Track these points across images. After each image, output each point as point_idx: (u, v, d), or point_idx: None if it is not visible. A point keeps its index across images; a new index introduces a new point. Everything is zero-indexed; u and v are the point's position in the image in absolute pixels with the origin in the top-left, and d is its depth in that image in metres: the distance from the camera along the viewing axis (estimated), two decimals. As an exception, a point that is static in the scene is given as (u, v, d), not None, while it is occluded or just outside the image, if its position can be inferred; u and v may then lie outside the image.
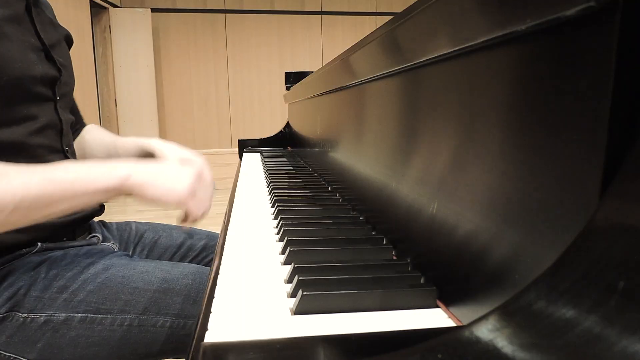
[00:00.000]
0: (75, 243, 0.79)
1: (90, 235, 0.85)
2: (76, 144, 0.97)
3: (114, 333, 0.67)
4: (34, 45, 0.73)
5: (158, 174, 0.66)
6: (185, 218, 0.71)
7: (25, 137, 0.70)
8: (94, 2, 4.72)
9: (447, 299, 0.37)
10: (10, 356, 0.65)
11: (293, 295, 0.39)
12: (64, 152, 0.79)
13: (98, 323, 0.67)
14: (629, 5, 0.21)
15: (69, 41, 0.91)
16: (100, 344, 0.67)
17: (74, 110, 0.96)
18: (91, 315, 0.67)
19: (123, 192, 0.65)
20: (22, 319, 0.65)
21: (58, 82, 0.76)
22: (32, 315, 0.65)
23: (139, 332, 0.68)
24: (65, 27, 0.90)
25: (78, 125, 0.99)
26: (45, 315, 0.66)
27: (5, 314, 0.65)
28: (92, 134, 1.00)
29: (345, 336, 0.31)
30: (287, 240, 0.51)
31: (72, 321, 0.66)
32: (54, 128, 0.77)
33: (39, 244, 0.73)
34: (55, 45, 0.79)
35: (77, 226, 0.82)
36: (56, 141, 0.77)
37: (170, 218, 3.28)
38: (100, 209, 0.88)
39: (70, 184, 0.60)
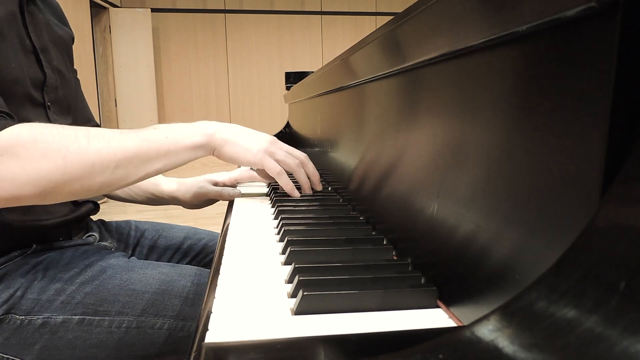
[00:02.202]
0: (72, 243, 0.79)
1: (86, 235, 0.84)
2: None
3: (112, 335, 0.67)
4: (26, 47, 0.72)
5: (238, 134, 0.71)
6: (265, 174, 0.77)
7: None
8: (94, 2, 4.72)
9: (448, 299, 0.37)
10: (8, 358, 0.65)
11: (293, 295, 0.39)
12: None
13: (96, 325, 0.67)
14: (629, 6, 0.21)
15: (70, 43, 0.89)
16: (98, 346, 0.67)
17: (84, 112, 0.95)
18: (89, 317, 0.67)
19: (209, 149, 0.69)
20: (19, 321, 0.65)
21: (45, 87, 0.75)
22: (29, 317, 0.65)
23: (137, 334, 0.68)
24: (66, 28, 0.90)
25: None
26: (43, 318, 0.65)
27: (2, 316, 0.64)
28: None
29: (345, 336, 0.31)
30: (288, 240, 0.51)
31: (70, 323, 0.66)
32: None
33: (34, 245, 0.73)
34: (47, 48, 0.77)
35: (73, 226, 0.82)
36: None
37: (170, 218, 3.27)
38: (95, 208, 0.88)
39: (163, 141, 0.64)
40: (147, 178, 0.65)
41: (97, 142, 0.59)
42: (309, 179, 0.79)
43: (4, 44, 0.67)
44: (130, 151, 0.61)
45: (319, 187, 0.81)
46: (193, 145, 0.67)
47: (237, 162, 0.72)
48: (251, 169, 0.79)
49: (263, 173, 0.79)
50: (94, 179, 0.59)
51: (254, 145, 0.72)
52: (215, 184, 0.95)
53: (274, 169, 0.73)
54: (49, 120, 0.76)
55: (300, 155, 0.77)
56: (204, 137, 0.68)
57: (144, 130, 0.65)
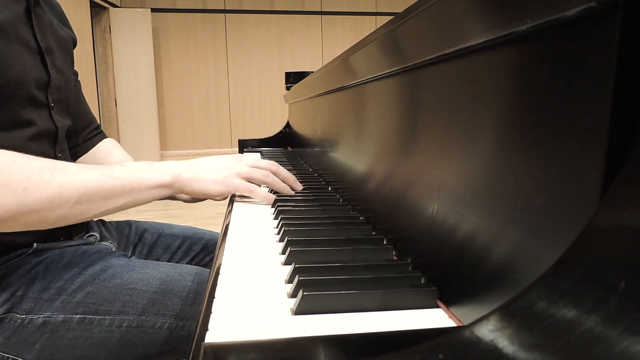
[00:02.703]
0: (72, 243, 0.79)
1: (87, 235, 0.84)
2: (90, 158, 0.97)
3: (113, 334, 0.67)
4: (32, 48, 0.73)
5: (201, 169, 0.72)
6: (241, 195, 0.76)
7: (24, 142, 0.70)
8: (94, 2, 4.72)
9: (448, 299, 0.37)
10: (8, 357, 0.65)
11: (293, 295, 0.39)
12: (56, 158, 0.78)
13: (96, 324, 0.67)
14: (629, 6, 0.21)
15: (72, 44, 0.90)
16: (98, 345, 0.67)
17: (86, 115, 0.95)
18: (89, 316, 0.67)
19: (176, 189, 0.70)
20: (20, 320, 0.65)
21: (49, 87, 0.75)
22: (30, 316, 0.65)
23: (138, 333, 0.68)
24: (67, 28, 0.90)
25: (94, 132, 0.98)
26: (43, 317, 0.66)
27: (2, 316, 0.64)
28: (108, 154, 0.99)
29: (345, 336, 0.31)
30: (288, 240, 0.51)
31: (71, 322, 0.66)
32: (49, 134, 0.76)
33: (35, 244, 0.73)
34: (51, 49, 0.77)
35: (74, 226, 0.82)
36: (50, 147, 0.77)
37: (170, 218, 3.27)
38: None
39: (128, 180, 0.64)
40: (108, 214, 0.65)
41: (60, 176, 0.58)
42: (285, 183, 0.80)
43: (9, 46, 0.67)
44: (92, 187, 0.61)
45: (298, 188, 0.81)
46: (158, 184, 0.67)
47: (208, 197, 0.73)
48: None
49: (241, 195, 0.79)
50: (51, 212, 0.58)
51: (219, 175, 0.72)
52: None
53: (244, 189, 0.73)
54: (52, 120, 0.76)
55: (267, 164, 0.78)
56: (169, 178, 0.68)
57: (110, 167, 0.65)
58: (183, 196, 0.94)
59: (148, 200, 0.68)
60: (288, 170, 0.85)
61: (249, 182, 0.74)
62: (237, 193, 0.74)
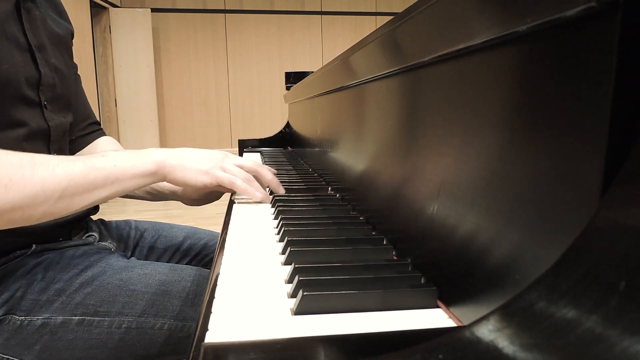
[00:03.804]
0: (72, 243, 0.79)
1: (86, 235, 0.84)
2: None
3: (112, 335, 0.67)
4: (21, 46, 0.71)
5: (187, 157, 0.71)
6: (223, 189, 0.76)
7: (18, 143, 0.69)
8: (94, 2, 4.72)
9: (448, 299, 0.37)
10: (8, 358, 0.65)
11: (293, 295, 0.39)
12: None
13: (96, 325, 0.67)
14: (629, 6, 0.21)
15: (70, 38, 0.88)
16: (98, 347, 0.67)
17: (83, 109, 0.94)
18: (89, 317, 0.67)
19: (159, 176, 0.69)
20: (19, 322, 0.65)
21: (40, 85, 0.74)
22: (29, 318, 0.65)
23: (137, 334, 0.68)
24: (66, 27, 0.89)
25: (91, 127, 0.97)
26: (43, 318, 0.65)
27: (2, 317, 0.64)
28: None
29: (345, 336, 0.31)
30: (288, 240, 0.51)
31: (70, 324, 0.66)
32: (42, 134, 0.74)
33: (34, 245, 0.72)
34: (44, 45, 0.76)
35: (73, 226, 0.81)
36: (44, 147, 0.75)
37: (170, 218, 3.27)
38: (95, 208, 0.88)
39: (111, 170, 0.63)
40: (94, 204, 0.64)
41: (41, 171, 0.57)
42: (268, 186, 0.79)
43: None
44: (75, 180, 0.59)
45: (280, 191, 0.80)
46: (142, 173, 0.66)
47: (190, 186, 0.72)
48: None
49: (223, 189, 0.78)
50: (35, 208, 0.57)
51: (204, 165, 0.71)
52: None
53: (226, 180, 0.72)
54: (44, 119, 0.74)
55: (252, 165, 0.77)
56: (153, 165, 0.67)
57: (92, 158, 0.63)
58: (185, 196, 0.94)
59: (133, 189, 0.67)
60: (288, 170, 0.85)
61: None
62: (219, 184, 0.73)
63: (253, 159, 0.98)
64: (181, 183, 0.71)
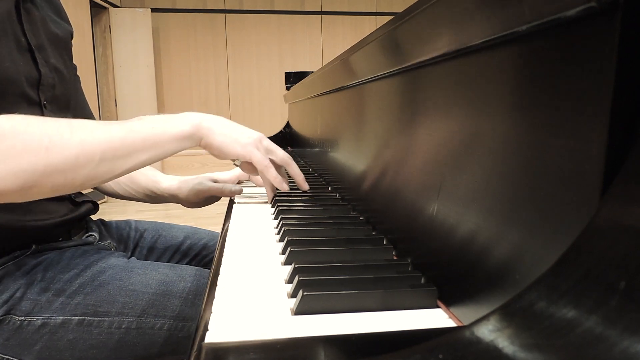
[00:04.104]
0: (71, 243, 0.79)
1: (86, 235, 0.84)
2: None
3: (112, 335, 0.67)
4: (22, 46, 0.71)
5: (225, 125, 0.70)
6: (248, 168, 0.75)
7: None
8: (94, 2, 4.72)
9: (448, 299, 0.37)
10: (8, 359, 0.65)
11: (293, 295, 0.39)
12: None
13: (96, 326, 0.67)
14: (629, 6, 0.21)
15: (70, 38, 0.88)
16: (98, 347, 0.66)
17: (82, 110, 0.94)
18: (89, 317, 0.67)
19: (196, 139, 0.68)
20: (19, 322, 0.65)
21: (40, 85, 0.74)
22: (29, 318, 0.65)
23: (137, 334, 0.67)
24: (66, 27, 0.89)
25: None
26: (43, 318, 0.65)
27: (1, 317, 0.64)
28: None
29: (345, 336, 0.31)
30: (288, 240, 0.51)
31: (70, 324, 0.66)
32: None
33: (34, 245, 0.72)
34: (43, 45, 0.76)
35: (73, 226, 0.81)
36: None
37: (170, 218, 3.27)
38: (94, 208, 0.88)
39: (150, 132, 0.63)
40: (133, 170, 0.63)
41: (80, 133, 0.57)
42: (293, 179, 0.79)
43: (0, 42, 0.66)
44: (115, 142, 0.59)
45: (305, 187, 0.80)
46: (180, 135, 0.65)
47: (224, 154, 0.70)
48: (234, 164, 0.79)
49: (247, 168, 0.76)
50: (77, 172, 0.56)
51: (242, 137, 0.70)
52: (216, 182, 0.94)
53: (261, 162, 0.72)
54: None
55: (283, 154, 0.77)
56: (190, 127, 0.66)
57: (129, 122, 0.63)
58: (185, 199, 0.94)
59: (172, 152, 0.66)
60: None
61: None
62: (252, 163, 0.72)
63: None
64: (216, 149, 0.69)
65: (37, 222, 0.72)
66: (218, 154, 0.70)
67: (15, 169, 0.52)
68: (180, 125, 0.66)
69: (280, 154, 0.76)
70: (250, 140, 0.71)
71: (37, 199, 0.57)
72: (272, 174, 0.73)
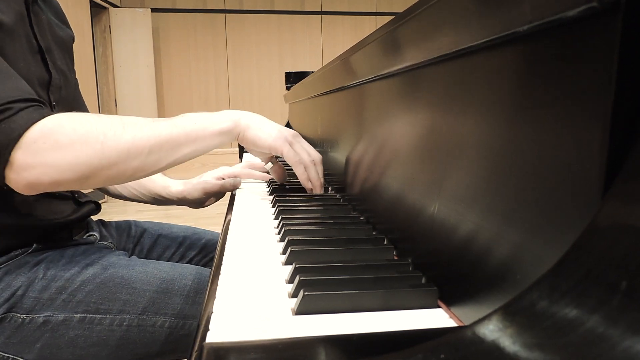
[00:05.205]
0: (72, 242, 0.79)
1: (87, 234, 0.84)
2: None
3: (113, 333, 0.67)
4: (33, 48, 0.73)
5: (262, 121, 0.75)
6: (274, 163, 0.81)
7: None
8: (94, 2, 4.72)
9: (449, 299, 0.37)
10: (9, 357, 0.65)
11: (294, 295, 0.39)
12: None
13: (97, 323, 0.67)
14: (630, 6, 0.21)
15: (71, 42, 0.90)
16: (99, 344, 0.67)
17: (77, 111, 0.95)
18: (90, 315, 0.67)
19: (235, 134, 0.72)
20: (20, 320, 0.65)
21: (50, 87, 0.76)
22: (30, 315, 0.65)
23: (138, 332, 0.68)
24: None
25: None
26: (44, 316, 0.66)
27: (3, 315, 0.64)
28: None
29: (346, 336, 0.31)
30: (288, 240, 0.51)
31: (71, 321, 0.66)
32: None
33: (35, 244, 0.73)
34: (50, 48, 0.78)
35: (74, 226, 0.82)
36: None
37: (170, 218, 3.27)
38: (96, 208, 0.88)
39: (192, 127, 0.68)
40: (176, 164, 0.68)
41: (131, 129, 0.62)
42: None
43: (14, 44, 0.67)
44: (161, 137, 0.64)
45: (319, 191, 0.81)
46: (220, 131, 0.70)
47: (258, 146, 0.74)
48: (265, 167, 0.83)
49: (276, 171, 0.83)
50: (129, 164, 0.62)
51: (276, 132, 0.74)
52: (221, 178, 0.98)
53: (292, 158, 0.75)
54: None
55: (317, 155, 0.78)
56: (230, 123, 0.71)
57: (173, 118, 0.68)
58: (192, 200, 0.96)
59: (211, 147, 0.70)
60: (288, 169, 0.85)
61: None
62: (284, 156, 0.75)
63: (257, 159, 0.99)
64: (250, 142, 0.74)
65: (42, 222, 0.73)
66: (252, 146, 0.75)
67: (73, 161, 0.58)
68: (221, 122, 0.70)
69: (306, 157, 0.77)
70: (282, 135, 0.74)
71: (92, 187, 0.64)
72: (300, 171, 0.76)
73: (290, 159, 0.74)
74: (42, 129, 0.57)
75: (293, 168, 0.76)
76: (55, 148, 0.57)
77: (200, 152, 0.69)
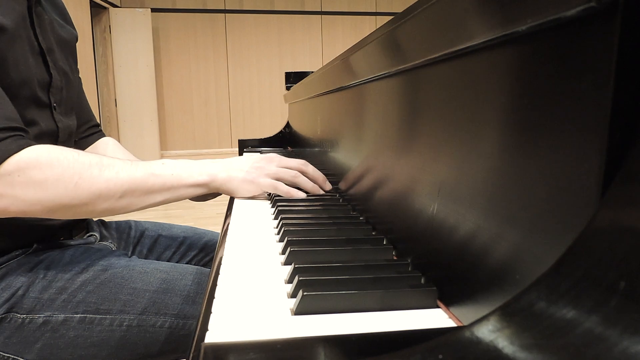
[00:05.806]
0: (72, 242, 0.79)
1: (87, 235, 0.84)
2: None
3: (113, 333, 0.67)
4: (34, 49, 0.73)
5: (234, 169, 0.74)
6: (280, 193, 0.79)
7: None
8: (94, 2, 4.72)
9: (448, 299, 0.37)
10: (9, 357, 0.65)
11: (293, 295, 0.39)
12: None
13: (97, 323, 0.67)
14: (629, 6, 0.21)
15: (74, 42, 0.90)
16: (99, 345, 0.67)
17: (84, 113, 0.95)
18: (90, 315, 0.67)
19: (211, 188, 0.74)
20: (20, 320, 0.65)
21: (50, 88, 0.75)
22: (30, 316, 0.65)
23: (138, 332, 0.68)
24: (66, 27, 0.89)
25: (92, 129, 0.98)
26: (44, 316, 0.66)
27: (3, 315, 0.65)
28: (104, 152, 0.99)
29: (345, 336, 0.31)
30: (288, 240, 0.51)
31: (71, 322, 0.66)
32: (51, 135, 0.76)
33: (35, 244, 0.73)
34: (52, 49, 0.77)
35: (74, 226, 0.82)
36: None
37: (170, 218, 3.27)
38: None
39: (168, 177, 0.69)
40: (149, 208, 0.69)
41: (107, 172, 0.63)
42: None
43: (15, 45, 0.67)
44: (135, 183, 0.65)
45: (327, 187, 0.82)
46: (196, 183, 0.71)
47: (238, 197, 0.77)
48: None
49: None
50: (99, 205, 0.63)
51: (249, 175, 0.75)
52: None
53: (270, 187, 0.76)
54: (54, 120, 0.76)
55: (296, 164, 0.79)
56: (206, 177, 0.72)
57: (152, 164, 0.69)
58: (196, 198, 0.95)
59: (185, 197, 0.72)
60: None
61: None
62: (264, 191, 0.77)
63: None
64: (229, 194, 0.76)
65: (42, 222, 0.73)
66: (237, 197, 0.77)
67: (43, 198, 0.59)
68: (197, 175, 0.71)
69: (292, 165, 0.78)
70: (257, 173, 0.75)
71: (56, 219, 0.66)
72: (283, 191, 0.76)
73: (270, 190, 0.76)
74: (19, 163, 0.58)
75: (277, 193, 0.77)
76: (29, 184, 0.58)
77: (173, 200, 0.71)
